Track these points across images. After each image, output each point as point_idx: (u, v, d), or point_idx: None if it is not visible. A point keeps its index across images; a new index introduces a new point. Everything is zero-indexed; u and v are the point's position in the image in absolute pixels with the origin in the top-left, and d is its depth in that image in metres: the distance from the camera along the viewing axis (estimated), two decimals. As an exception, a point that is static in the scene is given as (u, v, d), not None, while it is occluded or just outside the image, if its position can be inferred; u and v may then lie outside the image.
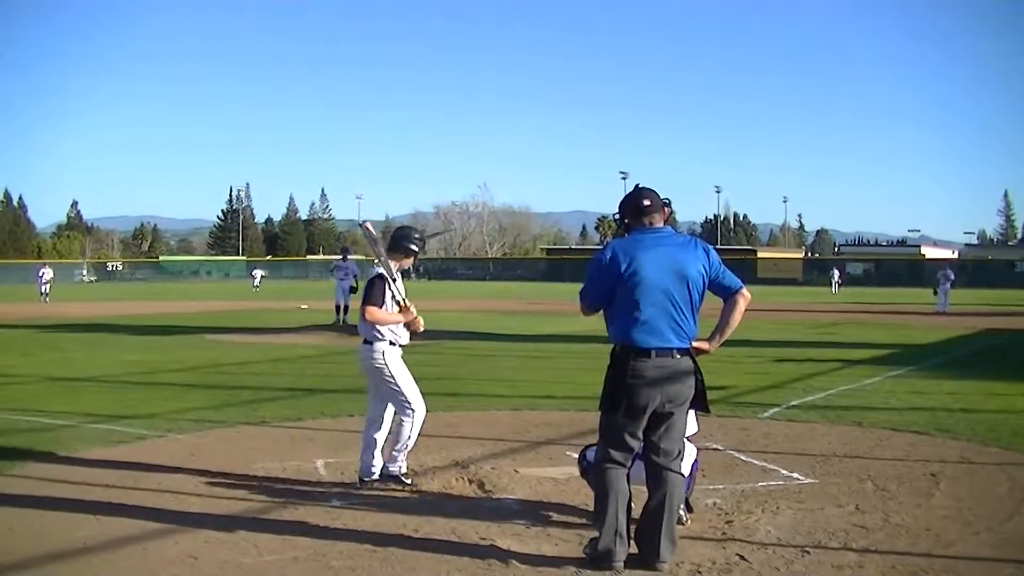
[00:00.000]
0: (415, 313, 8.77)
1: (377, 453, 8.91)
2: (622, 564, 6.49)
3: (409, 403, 8.72)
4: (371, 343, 8.75)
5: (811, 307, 47.07)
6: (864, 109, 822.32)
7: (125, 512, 7.90)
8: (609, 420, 6.64)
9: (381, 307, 8.63)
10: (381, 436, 8.90)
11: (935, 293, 43.49)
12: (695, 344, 6.67)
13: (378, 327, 8.69)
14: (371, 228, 9.07)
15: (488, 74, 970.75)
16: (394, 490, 8.73)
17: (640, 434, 6.61)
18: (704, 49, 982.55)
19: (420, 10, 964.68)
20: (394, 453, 8.73)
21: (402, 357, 8.90)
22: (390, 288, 8.68)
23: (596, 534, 6.61)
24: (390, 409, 8.89)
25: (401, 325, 8.82)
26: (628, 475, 6.68)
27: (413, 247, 9.01)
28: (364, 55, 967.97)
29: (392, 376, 8.71)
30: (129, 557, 6.82)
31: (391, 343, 8.76)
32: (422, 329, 8.93)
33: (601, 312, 6.77)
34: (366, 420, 9.09)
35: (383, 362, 8.71)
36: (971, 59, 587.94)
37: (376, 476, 8.89)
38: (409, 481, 8.73)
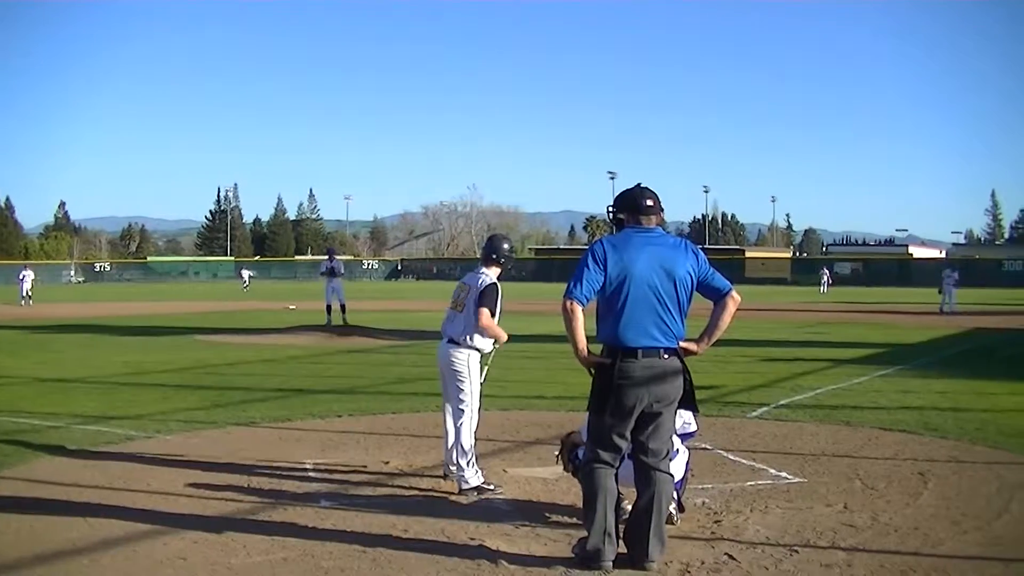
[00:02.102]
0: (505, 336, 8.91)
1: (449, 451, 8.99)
2: (611, 564, 6.50)
3: (469, 405, 8.75)
4: (458, 344, 8.79)
5: (800, 307, 47.12)
6: (852, 109, 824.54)
7: (114, 513, 7.88)
8: (597, 421, 6.64)
9: (495, 314, 8.73)
10: (451, 437, 8.92)
11: (940, 292, 42.78)
12: (683, 345, 6.67)
13: (470, 333, 8.73)
14: None
15: (477, 75, 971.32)
16: (383, 490, 8.74)
17: (628, 434, 6.62)
18: (692, 49, 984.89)
19: (408, 11, 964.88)
20: (464, 466, 8.66)
21: (481, 362, 8.97)
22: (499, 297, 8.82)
23: (585, 534, 6.61)
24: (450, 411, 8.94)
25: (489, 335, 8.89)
26: (616, 475, 6.69)
27: (493, 256, 9.01)
28: (352, 55, 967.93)
29: (468, 378, 8.77)
30: (118, 558, 6.80)
31: (476, 349, 8.82)
32: (504, 340, 8.95)
33: (593, 312, 6.76)
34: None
35: (465, 364, 8.77)
36: (958, 59, 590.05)
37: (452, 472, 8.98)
38: (491, 486, 8.70)
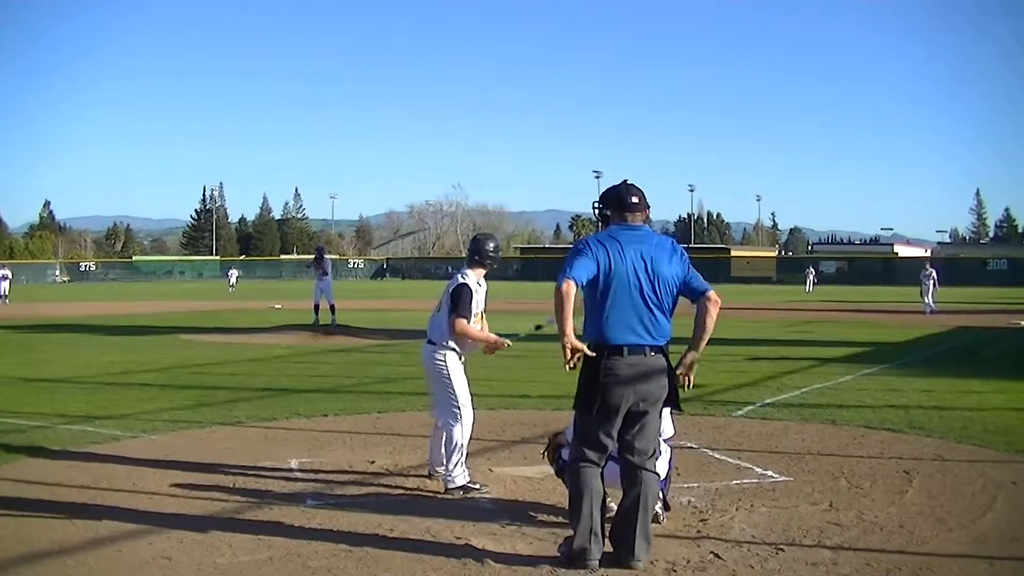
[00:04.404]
0: (495, 339, 8.78)
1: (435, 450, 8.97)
2: (597, 563, 6.50)
3: (459, 408, 8.69)
4: (435, 344, 8.77)
5: (785, 306, 47.21)
6: (838, 108, 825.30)
7: (99, 513, 7.87)
8: (583, 419, 6.65)
9: (470, 319, 8.60)
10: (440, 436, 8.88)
11: (921, 294, 41.86)
12: (687, 359, 6.66)
13: (446, 334, 8.70)
14: None
15: (463, 74, 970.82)
16: (369, 489, 8.75)
17: (614, 433, 6.63)
18: (676, 48, 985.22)
19: (392, 10, 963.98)
20: (450, 467, 8.63)
21: (462, 362, 8.90)
22: (475, 296, 8.71)
23: (571, 533, 6.62)
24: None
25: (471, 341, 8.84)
26: (602, 474, 6.69)
27: (476, 258, 8.90)
28: (338, 54, 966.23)
29: (449, 378, 8.71)
30: (103, 558, 6.79)
31: (453, 349, 8.77)
32: (505, 346, 8.87)
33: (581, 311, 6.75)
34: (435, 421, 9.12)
35: (444, 364, 8.71)
36: (944, 59, 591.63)
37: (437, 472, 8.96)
38: (477, 486, 8.67)
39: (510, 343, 8.82)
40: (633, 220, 6.77)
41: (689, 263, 6.80)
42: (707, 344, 6.74)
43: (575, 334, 6.47)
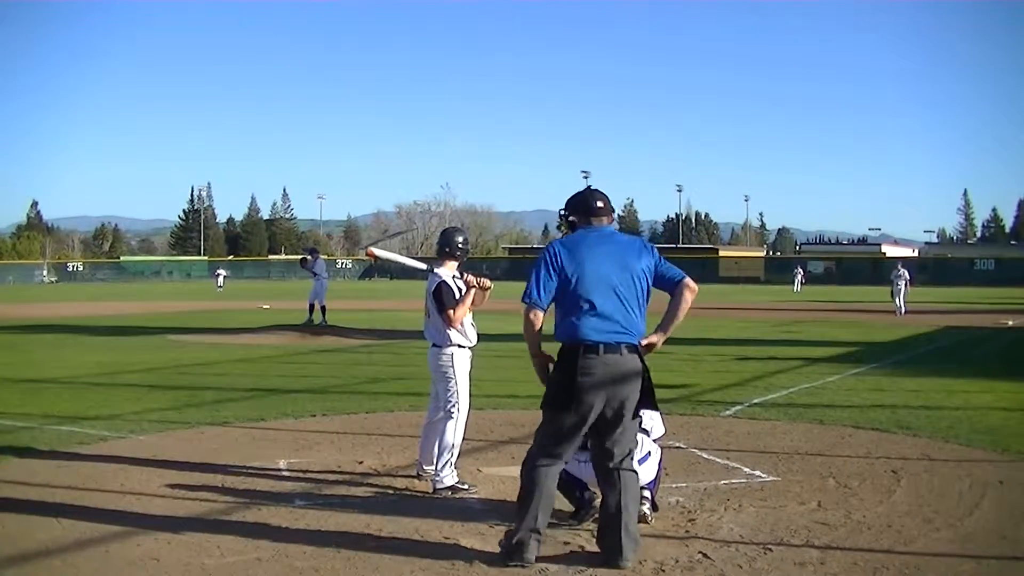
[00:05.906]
0: (474, 282, 8.81)
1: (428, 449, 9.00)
2: (533, 558, 6.52)
3: (457, 404, 8.77)
4: (440, 347, 8.82)
5: (773, 306, 47.21)
6: (826, 108, 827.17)
7: (87, 514, 7.84)
8: (553, 418, 6.66)
9: (456, 307, 8.68)
10: (434, 435, 8.91)
11: (892, 295, 40.52)
12: (645, 342, 6.71)
13: (445, 334, 8.75)
14: (375, 252, 9.42)
15: (450, 74, 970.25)
16: (357, 489, 8.73)
17: (581, 435, 6.65)
18: (665, 48, 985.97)
19: (381, 11, 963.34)
20: (439, 467, 8.67)
21: (471, 360, 8.98)
22: (454, 284, 8.80)
23: (512, 527, 6.65)
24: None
25: (470, 321, 8.91)
26: (585, 476, 6.71)
27: (447, 250, 8.96)
28: (325, 55, 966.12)
29: (454, 378, 8.78)
30: (91, 559, 6.77)
31: (459, 346, 8.82)
32: (489, 285, 8.97)
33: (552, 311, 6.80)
34: (426, 418, 9.19)
35: (451, 364, 8.78)
36: (932, 59, 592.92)
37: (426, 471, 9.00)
38: (465, 486, 8.70)
39: (485, 282, 8.91)
40: (599, 223, 6.87)
41: (660, 255, 6.84)
42: (693, 343, 6.75)
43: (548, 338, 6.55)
